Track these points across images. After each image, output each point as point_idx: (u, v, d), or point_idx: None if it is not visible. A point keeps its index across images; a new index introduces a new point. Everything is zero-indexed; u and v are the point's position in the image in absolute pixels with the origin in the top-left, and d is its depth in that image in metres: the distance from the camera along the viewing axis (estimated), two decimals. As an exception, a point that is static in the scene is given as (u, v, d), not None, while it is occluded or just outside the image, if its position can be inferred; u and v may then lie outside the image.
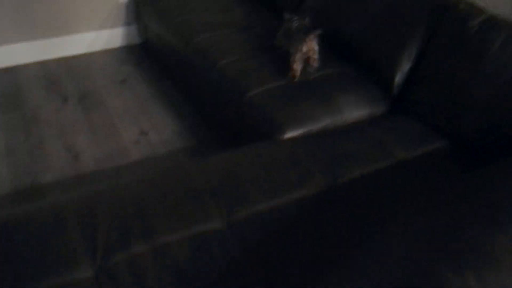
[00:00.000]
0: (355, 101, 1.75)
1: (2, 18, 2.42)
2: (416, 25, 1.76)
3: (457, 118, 1.58)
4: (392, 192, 1.30)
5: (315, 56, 1.84)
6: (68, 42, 2.68)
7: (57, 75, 2.53)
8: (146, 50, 2.83)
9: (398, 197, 1.27)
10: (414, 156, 1.48)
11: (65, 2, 2.55)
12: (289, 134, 1.56)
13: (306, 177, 1.33)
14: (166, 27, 2.27)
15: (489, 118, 1.50)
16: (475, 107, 1.53)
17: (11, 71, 2.52)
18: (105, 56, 2.76)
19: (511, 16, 1.61)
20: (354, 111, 1.73)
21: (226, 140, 2.03)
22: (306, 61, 1.83)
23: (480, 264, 0.73)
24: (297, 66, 1.79)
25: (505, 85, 1.48)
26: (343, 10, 1.98)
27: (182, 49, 2.11)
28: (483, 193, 0.93)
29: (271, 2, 2.41)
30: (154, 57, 2.72)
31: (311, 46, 1.81)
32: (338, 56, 2.01)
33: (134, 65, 2.69)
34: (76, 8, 2.60)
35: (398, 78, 1.79)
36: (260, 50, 1.99)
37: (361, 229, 1.14)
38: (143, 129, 2.18)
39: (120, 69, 2.64)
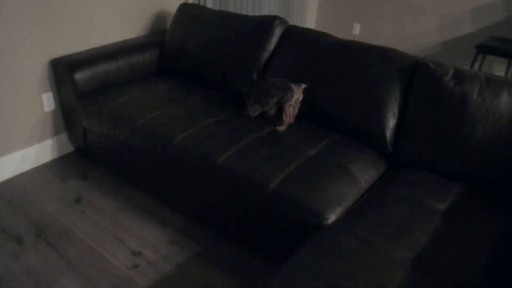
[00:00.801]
0: (363, 166, 1.81)
1: None
2: (393, 85, 1.92)
3: (461, 163, 1.74)
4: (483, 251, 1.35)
5: (296, 110, 1.96)
6: (-9, 169, 2.25)
7: (-9, 212, 2.08)
8: (87, 157, 2.52)
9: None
10: (449, 205, 1.58)
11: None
12: (332, 219, 1.53)
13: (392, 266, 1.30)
14: (129, 128, 2.06)
15: (491, 157, 1.69)
16: (474, 150, 1.71)
17: None
18: (41, 174, 2.38)
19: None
20: (366, 175, 1.78)
21: (233, 235, 1.90)
22: (283, 112, 1.99)
23: None
24: (292, 112, 1.98)
25: (494, 126, 1.69)
26: (317, 85, 2.06)
27: (161, 149, 1.93)
28: None
29: (226, 86, 2.40)
30: (100, 162, 2.44)
31: (299, 98, 1.94)
32: (317, 126, 2.08)
33: (80, 177, 2.37)
34: (-2, 129, 2.21)
35: (389, 135, 1.91)
36: (246, 135, 1.94)
37: None
38: (133, 249, 1.90)
39: (66, 186, 2.29)
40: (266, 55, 2.29)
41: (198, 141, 1.89)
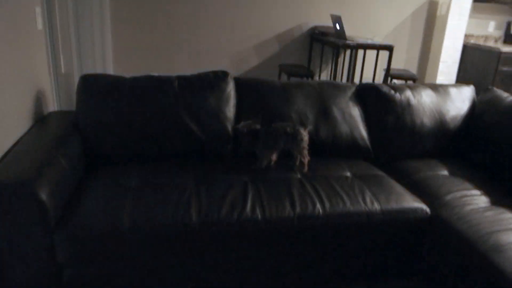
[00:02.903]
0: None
1: None
2: (354, 109, 2.39)
3: (418, 146, 2.42)
4: None
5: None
6: None
7: None
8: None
9: None
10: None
11: None
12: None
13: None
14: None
15: (433, 136, 2.43)
16: (422, 135, 2.42)
17: None
18: None
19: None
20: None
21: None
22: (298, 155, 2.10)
23: None
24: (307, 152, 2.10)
25: (426, 115, 2.44)
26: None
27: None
28: None
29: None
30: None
31: (307, 138, 2.10)
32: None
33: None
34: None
35: (369, 144, 2.37)
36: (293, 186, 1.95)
37: None
38: None
39: None
40: (232, 107, 2.25)
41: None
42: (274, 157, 2.11)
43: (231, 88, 2.28)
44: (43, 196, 1.50)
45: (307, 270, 1.86)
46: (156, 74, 2.31)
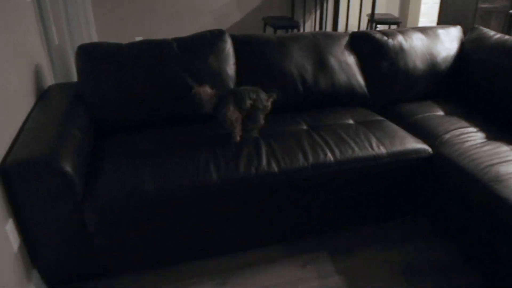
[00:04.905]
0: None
1: None
2: (349, 57, 2.43)
3: (412, 90, 2.50)
4: None
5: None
6: None
7: None
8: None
9: None
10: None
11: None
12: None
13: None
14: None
15: (426, 77, 2.52)
16: (417, 77, 2.50)
17: None
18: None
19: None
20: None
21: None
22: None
23: None
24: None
25: (418, 58, 2.51)
26: (303, 73, 2.30)
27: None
28: None
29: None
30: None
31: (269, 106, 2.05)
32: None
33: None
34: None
35: (367, 91, 2.45)
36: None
37: None
38: None
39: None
40: (232, 65, 2.27)
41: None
42: (239, 119, 2.00)
43: (229, 46, 2.28)
44: (68, 169, 1.54)
45: (321, 216, 1.98)
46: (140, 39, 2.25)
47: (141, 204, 1.65)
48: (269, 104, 2.03)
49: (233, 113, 1.94)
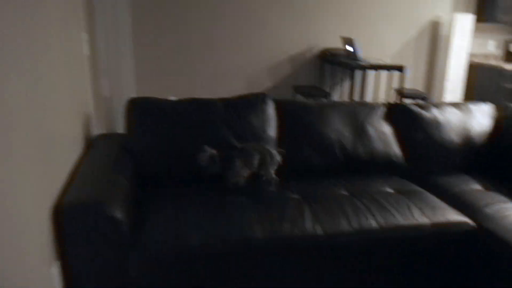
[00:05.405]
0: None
1: None
2: (385, 127, 2.50)
3: (448, 157, 2.53)
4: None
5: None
6: None
7: None
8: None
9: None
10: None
11: None
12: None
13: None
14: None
15: (462, 147, 2.55)
16: (452, 148, 2.53)
17: None
18: None
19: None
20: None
21: None
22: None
23: None
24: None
25: (453, 129, 2.56)
26: (339, 139, 2.36)
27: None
28: None
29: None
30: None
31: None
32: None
33: None
34: None
35: (403, 161, 2.48)
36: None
37: None
38: None
39: None
40: (273, 128, 2.34)
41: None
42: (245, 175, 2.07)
43: (271, 110, 2.37)
44: (119, 215, 1.56)
45: (362, 284, 1.93)
46: (174, 98, 2.36)
47: (185, 257, 1.64)
48: (279, 158, 2.08)
49: (242, 171, 2.00)
